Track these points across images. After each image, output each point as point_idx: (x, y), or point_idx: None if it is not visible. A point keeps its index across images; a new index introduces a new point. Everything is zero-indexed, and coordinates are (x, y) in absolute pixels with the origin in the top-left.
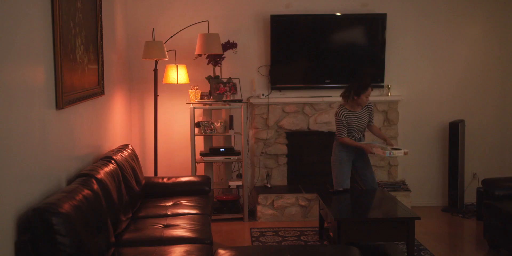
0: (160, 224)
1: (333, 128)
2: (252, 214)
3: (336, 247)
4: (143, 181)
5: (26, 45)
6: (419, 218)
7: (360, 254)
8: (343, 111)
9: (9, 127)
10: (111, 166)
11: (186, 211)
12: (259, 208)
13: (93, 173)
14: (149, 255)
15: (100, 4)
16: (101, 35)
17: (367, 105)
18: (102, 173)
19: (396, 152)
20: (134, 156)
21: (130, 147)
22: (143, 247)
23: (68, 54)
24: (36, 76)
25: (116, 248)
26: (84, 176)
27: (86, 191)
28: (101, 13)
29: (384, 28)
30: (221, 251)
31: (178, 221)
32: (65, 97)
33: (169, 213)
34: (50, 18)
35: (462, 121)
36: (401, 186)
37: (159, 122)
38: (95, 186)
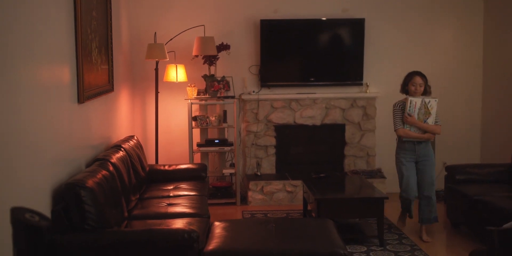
0: (164, 203)
1: (316, 122)
2: (244, 199)
3: (314, 219)
4: (147, 168)
5: (56, 49)
6: (387, 198)
7: (334, 225)
8: (399, 102)
9: (45, 119)
10: (121, 153)
11: (186, 193)
12: (250, 193)
13: (108, 158)
14: (157, 225)
15: (111, 12)
16: (111, 39)
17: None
18: (115, 158)
19: (418, 99)
20: (139, 145)
21: (135, 137)
22: (150, 220)
23: (87, 56)
24: (63, 76)
25: (128, 221)
26: (100, 160)
27: (104, 172)
28: (111, 20)
29: (363, 31)
30: (216, 223)
31: (179, 201)
32: (85, 93)
33: (171, 194)
34: (73, 26)
35: None
36: (378, 174)
37: (160, 116)
38: (111, 168)
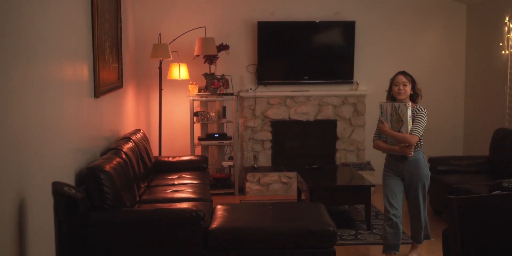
0: (170, 189)
1: (310, 118)
2: (242, 190)
3: (307, 203)
4: (153, 159)
5: (78, 50)
6: (374, 186)
7: (326, 209)
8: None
9: (70, 111)
10: (130, 144)
11: (189, 181)
12: (247, 184)
13: (120, 147)
14: (166, 207)
15: (120, 15)
16: (121, 39)
17: (416, 106)
18: (126, 148)
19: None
20: (145, 138)
21: (141, 131)
22: (159, 204)
23: (101, 56)
24: (83, 73)
25: (139, 205)
26: (114, 149)
27: (119, 159)
28: (120, 22)
29: (353, 33)
30: (219, 206)
31: (184, 188)
32: (101, 88)
33: (176, 183)
34: (91, 28)
35: None
36: (367, 166)
37: (163, 112)
38: (124, 156)
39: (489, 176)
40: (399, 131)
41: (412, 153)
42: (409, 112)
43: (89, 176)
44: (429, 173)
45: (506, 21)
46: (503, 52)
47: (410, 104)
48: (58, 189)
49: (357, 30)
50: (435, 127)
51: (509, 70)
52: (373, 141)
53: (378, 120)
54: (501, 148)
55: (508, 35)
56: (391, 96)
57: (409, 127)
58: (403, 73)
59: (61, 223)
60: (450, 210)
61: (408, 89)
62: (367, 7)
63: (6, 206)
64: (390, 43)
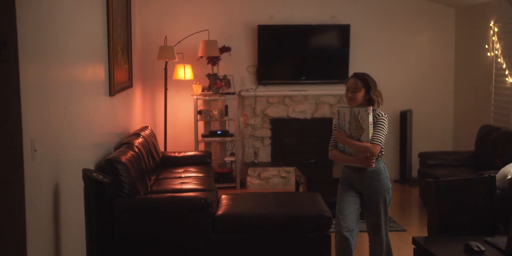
0: (177, 181)
1: (307, 116)
2: (243, 184)
3: (305, 193)
4: (160, 154)
5: (96, 52)
6: None
7: (322, 198)
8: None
9: (90, 109)
10: (140, 139)
11: (195, 174)
12: (248, 178)
13: (132, 142)
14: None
15: (130, 19)
16: (131, 42)
17: (375, 111)
18: (137, 143)
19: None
20: (153, 134)
21: (149, 128)
22: (168, 194)
23: (115, 58)
24: (101, 73)
25: (150, 195)
26: (127, 144)
27: (132, 152)
28: (131, 26)
29: (348, 35)
30: (223, 196)
31: (190, 180)
32: (115, 87)
33: (182, 176)
34: (106, 32)
35: (410, 110)
36: None
37: (168, 110)
38: (136, 150)
39: (474, 169)
40: (358, 140)
41: (373, 165)
42: (370, 119)
43: (107, 166)
44: (390, 186)
45: (491, 25)
46: (489, 54)
47: (371, 109)
48: (87, 174)
49: (352, 33)
50: (426, 125)
51: (494, 71)
52: (328, 151)
53: (333, 127)
54: (485, 143)
55: (493, 38)
56: None
57: (370, 135)
58: (356, 76)
59: (90, 204)
60: (428, 190)
61: (360, 95)
62: (362, 11)
63: (45, 189)
64: (383, 45)
